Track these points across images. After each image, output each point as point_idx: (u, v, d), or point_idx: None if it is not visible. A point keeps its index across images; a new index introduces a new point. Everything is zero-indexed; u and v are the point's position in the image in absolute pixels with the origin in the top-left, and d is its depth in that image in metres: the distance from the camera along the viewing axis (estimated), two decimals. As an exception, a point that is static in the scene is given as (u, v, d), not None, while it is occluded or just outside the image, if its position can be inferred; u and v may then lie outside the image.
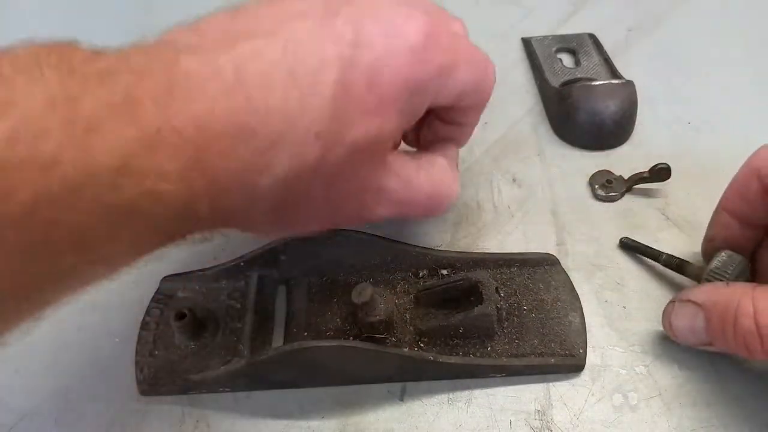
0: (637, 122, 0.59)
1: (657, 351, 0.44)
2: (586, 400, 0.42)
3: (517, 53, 0.70)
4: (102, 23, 0.76)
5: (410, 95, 0.35)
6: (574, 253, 0.50)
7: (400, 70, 0.34)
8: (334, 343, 0.42)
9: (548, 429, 0.41)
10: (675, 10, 0.72)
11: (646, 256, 0.49)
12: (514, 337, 0.44)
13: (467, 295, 0.44)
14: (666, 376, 0.43)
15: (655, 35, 0.69)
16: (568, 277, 0.48)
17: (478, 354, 0.43)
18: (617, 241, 0.51)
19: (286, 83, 0.31)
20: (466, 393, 0.43)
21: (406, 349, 0.42)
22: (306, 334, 0.44)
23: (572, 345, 0.44)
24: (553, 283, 0.47)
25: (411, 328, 0.44)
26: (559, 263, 0.48)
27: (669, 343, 0.45)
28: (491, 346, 0.43)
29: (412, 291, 0.46)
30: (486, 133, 0.61)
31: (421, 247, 0.48)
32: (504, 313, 0.44)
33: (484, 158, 0.58)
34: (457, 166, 0.45)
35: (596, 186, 0.55)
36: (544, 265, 0.48)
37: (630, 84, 0.59)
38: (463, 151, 0.59)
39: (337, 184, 0.35)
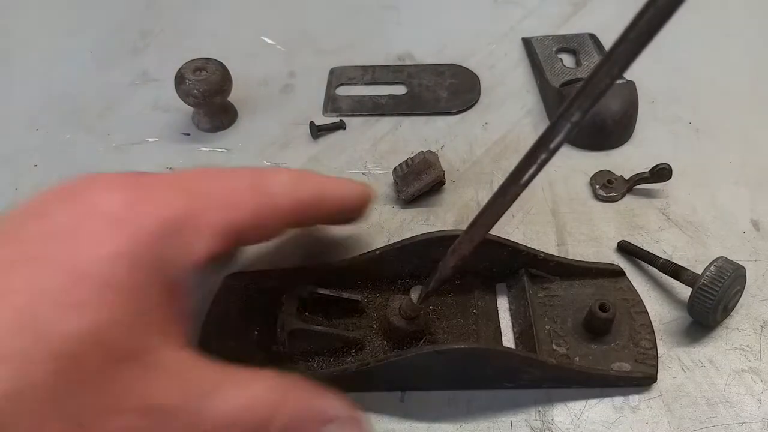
0: (637, 122, 0.59)
1: (657, 348, 0.44)
2: (586, 401, 0.42)
3: (518, 53, 0.69)
4: (102, 22, 0.76)
5: (130, 268, 0.29)
6: (575, 254, 0.50)
7: (106, 243, 0.29)
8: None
9: (549, 430, 0.41)
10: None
11: (643, 260, 0.49)
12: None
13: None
14: (666, 377, 0.43)
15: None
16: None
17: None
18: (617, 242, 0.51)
19: None
20: (466, 393, 0.43)
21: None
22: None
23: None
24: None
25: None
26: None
27: (669, 344, 0.45)
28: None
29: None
30: (486, 133, 0.61)
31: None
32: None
33: (485, 158, 0.58)
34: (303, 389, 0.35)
35: (597, 186, 0.55)
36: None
37: (630, 84, 0.58)
38: (463, 151, 0.59)
39: (68, 409, 0.27)
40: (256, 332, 0.44)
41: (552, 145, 0.31)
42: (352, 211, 0.40)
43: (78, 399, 0.27)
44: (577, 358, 0.43)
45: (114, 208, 0.30)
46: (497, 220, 0.35)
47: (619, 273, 0.47)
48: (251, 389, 0.32)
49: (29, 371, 0.26)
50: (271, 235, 0.36)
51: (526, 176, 0.32)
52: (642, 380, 0.42)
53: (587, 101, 0.29)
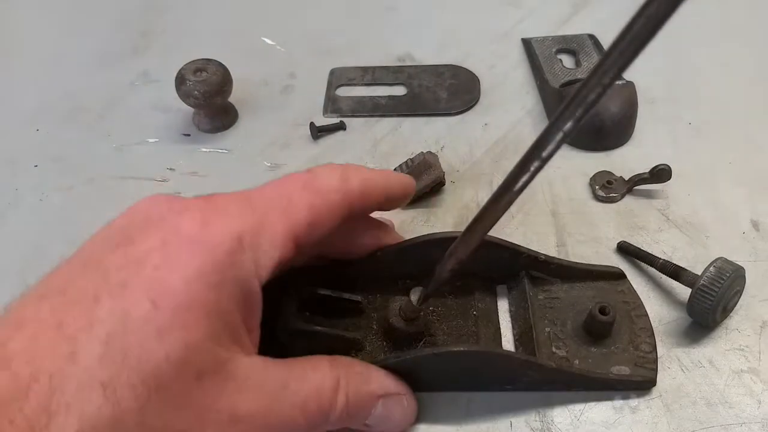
0: (637, 123, 0.59)
1: (657, 352, 0.44)
2: (586, 402, 0.42)
3: (518, 54, 0.70)
4: (102, 22, 0.77)
5: (210, 287, 0.30)
6: (575, 255, 0.50)
7: (188, 265, 0.30)
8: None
9: (548, 430, 0.41)
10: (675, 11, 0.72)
11: (643, 261, 0.49)
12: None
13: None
14: (666, 377, 0.43)
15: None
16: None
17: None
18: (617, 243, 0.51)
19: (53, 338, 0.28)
20: (466, 394, 0.43)
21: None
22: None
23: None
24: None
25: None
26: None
27: (668, 344, 0.45)
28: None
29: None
30: (486, 133, 0.61)
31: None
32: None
33: (485, 159, 0.59)
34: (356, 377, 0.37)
35: (597, 187, 0.55)
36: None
37: (630, 85, 0.59)
38: (463, 152, 0.59)
39: (167, 425, 0.29)
40: None
41: (545, 154, 0.31)
42: (396, 200, 0.42)
43: (166, 418, 0.29)
44: (577, 361, 0.43)
45: (191, 229, 0.31)
46: (493, 225, 0.35)
47: (620, 276, 0.47)
48: (312, 380, 0.35)
49: (120, 398, 0.27)
50: (326, 231, 0.37)
51: (520, 183, 0.32)
52: (641, 384, 0.42)
53: (579, 110, 0.29)
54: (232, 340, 0.32)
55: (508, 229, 0.52)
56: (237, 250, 0.32)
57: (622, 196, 0.54)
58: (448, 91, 0.65)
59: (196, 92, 0.57)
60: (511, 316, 0.46)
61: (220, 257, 0.31)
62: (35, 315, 0.29)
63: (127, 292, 0.29)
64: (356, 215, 0.40)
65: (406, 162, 0.55)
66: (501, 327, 0.45)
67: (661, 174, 0.53)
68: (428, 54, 0.70)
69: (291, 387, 0.34)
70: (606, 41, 0.68)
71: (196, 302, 0.30)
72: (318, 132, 0.61)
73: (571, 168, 0.57)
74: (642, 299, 0.46)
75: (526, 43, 0.70)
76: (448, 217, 0.54)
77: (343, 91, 0.66)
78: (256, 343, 0.34)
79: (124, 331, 0.28)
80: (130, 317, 0.29)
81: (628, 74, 0.61)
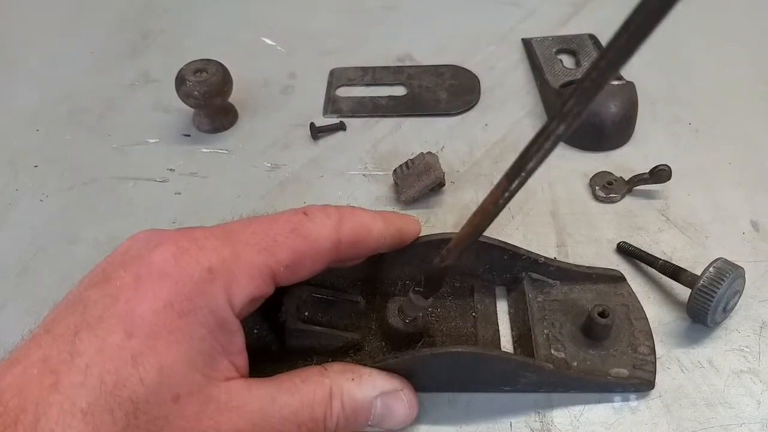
0: (637, 123, 0.59)
1: (656, 352, 0.44)
2: (585, 402, 0.42)
3: (518, 54, 0.70)
4: (103, 23, 0.77)
5: (179, 315, 0.32)
6: (574, 255, 0.50)
7: (156, 296, 0.32)
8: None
9: (548, 431, 0.41)
10: (675, 11, 0.72)
11: (643, 262, 0.49)
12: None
13: None
14: (665, 378, 0.43)
15: (655, 35, 0.69)
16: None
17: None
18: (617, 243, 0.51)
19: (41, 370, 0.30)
20: (466, 395, 0.43)
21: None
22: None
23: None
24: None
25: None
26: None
27: (668, 345, 0.45)
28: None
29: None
30: (486, 134, 0.61)
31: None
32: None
33: (485, 159, 0.59)
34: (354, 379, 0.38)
35: (597, 187, 0.55)
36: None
37: (630, 85, 0.58)
38: (463, 152, 0.59)
39: None
40: (255, 332, 0.44)
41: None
42: (393, 246, 0.42)
43: None
44: (575, 363, 0.43)
45: (163, 263, 0.33)
46: (490, 223, 0.35)
47: (620, 278, 0.47)
48: (303, 391, 0.36)
49: (99, 422, 0.29)
50: (310, 273, 0.38)
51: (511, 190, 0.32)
52: (639, 386, 0.42)
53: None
54: (209, 364, 0.33)
55: (508, 230, 0.52)
56: (207, 280, 0.33)
57: (622, 197, 0.54)
58: (448, 91, 0.65)
59: (196, 93, 0.57)
60: (510, 318, 0.46)
61: (188, 287, 0.32)
62: (26, 354, 0.31)
63: (103, 324, 0.31)
64: (348, 259, 0.41)
65: (406, 163, 0.55)
66: (500, 328, 0.45)
67: (661, 174, 0.53)
68: (428, 54, 0.70)
69: (279, 401, 0.35)
70: (606, 41, 0.68)
71: (165, 330, 0.31)
72: (318, 132, 0.61)
73: (571, 168, 0.57)
74: (641, 300, 0.46)
75: (526, 44, 0.70)
76: (448, 217, 0.54)
77: (343, 92, 0.66)
78: (243, 365, 0.36)
79: (102, 359, 0.30)
80: (106, 346, 0.30)
81: (629, 75, 0.62)
